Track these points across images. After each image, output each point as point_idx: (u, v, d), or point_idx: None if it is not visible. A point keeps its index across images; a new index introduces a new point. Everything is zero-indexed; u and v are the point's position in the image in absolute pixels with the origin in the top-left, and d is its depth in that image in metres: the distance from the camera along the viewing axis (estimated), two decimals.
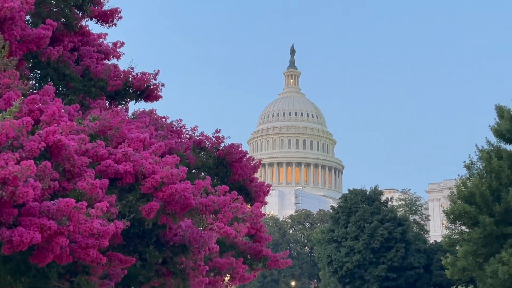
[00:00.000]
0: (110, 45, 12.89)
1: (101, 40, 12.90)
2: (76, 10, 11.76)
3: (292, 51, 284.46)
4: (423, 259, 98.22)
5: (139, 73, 12.13)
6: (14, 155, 6.23)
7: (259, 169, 13.50)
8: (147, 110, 12.72)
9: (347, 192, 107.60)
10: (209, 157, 12.62)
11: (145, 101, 12.56)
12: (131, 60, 12.48)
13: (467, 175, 61.00)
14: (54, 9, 11.60)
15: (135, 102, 12.53)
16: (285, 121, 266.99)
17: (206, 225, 9.24)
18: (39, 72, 11.52)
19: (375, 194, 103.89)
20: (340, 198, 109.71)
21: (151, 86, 12.25)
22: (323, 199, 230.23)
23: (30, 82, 10.48)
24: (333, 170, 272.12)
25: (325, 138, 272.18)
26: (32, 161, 6.14)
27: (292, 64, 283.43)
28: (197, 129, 13.19)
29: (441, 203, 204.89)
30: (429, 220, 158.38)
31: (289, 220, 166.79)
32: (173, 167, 8.19)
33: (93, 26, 12.82)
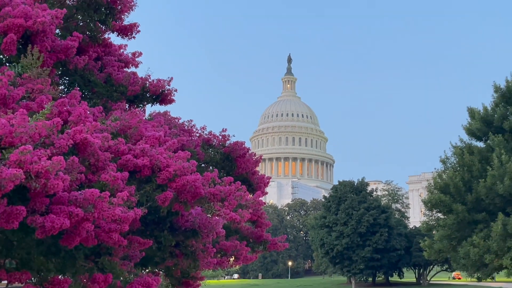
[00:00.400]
0: (130, 55, 12.87)
1: (121, 50, 12.88)
2: (99, 25, 11.75)
3: (289, 60, 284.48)
4: (404, 242, 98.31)
5: (155, 80, 12.10)
6: (46, 151, 6.24)
7: (260, 164, 13.48)
8: (161, 112, 12.71)
9: (337, 183, 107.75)
10: (216, 153, 12.60)
11: (160, 104, 12.53)
12: (148, 68, 12.50)
13: (443, 169, 61.09)
14: (80, 24, 11.59)
15: (151, 105, 12.51)
16: (283, 121, 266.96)
17: (214, 212, 9.24)
18: (67, 78, 11.51)
19: (362, 185, 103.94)
20: (331, 189, 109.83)
21: (166, 91, 12.22)
22: (316, 190, 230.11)
23: (60, 88, 10.48)
24: (325, 164, 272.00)
25: (317, 136, 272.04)
26: (62, 157, 6.14)
27: (289, 71, 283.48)
28: (205, 128, 13.18)
29: (420, 193, 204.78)
30: (409, 208, 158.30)
31: (286, 208, 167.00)
32: (185, 161, 8.19)
33: (114, 38, 12.82)
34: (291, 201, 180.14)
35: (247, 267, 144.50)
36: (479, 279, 60.28)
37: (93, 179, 7.30)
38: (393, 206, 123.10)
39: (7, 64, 9.65)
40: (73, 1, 11.22)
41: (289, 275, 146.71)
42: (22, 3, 9.30)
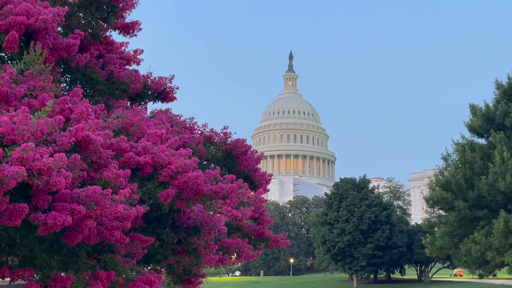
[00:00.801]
0: (131, 53, 12.87)
1: (123, 48, 12.88)
2: (101, 22, 11.75)
3: (290, 57, 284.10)
4: (405, 239, 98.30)
5: (156, 78, 12.10)
6: (48, 149, 6.25)
7: (261, 161, 13.47)
8: (163, 110, 12.69)
9: (339, 180, 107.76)
10: (218, 150, 12.60)
11: (162, 102, 12.53)
12: (150, 66, 12.49)
13: (444, 166, 61.06)
14: (82, 21, 11.59)
15: (153, 103, 12.51)
16: (284, 118, 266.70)
17: (216, 209, 9.25)
18: (69, 76, 11.51)
19: (363, 182, 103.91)
20: (333, 186, 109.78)
21: (167, 89, 12.22)
22: (318, 187, 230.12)
23: (62, 85, 10.47)
24: (326, 161, 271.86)
25: (319, 133, 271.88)
26: (64, 154, 6.15)
27: (290, 68, 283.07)
28: (207, 126, 13.17)
29: (422, 190, 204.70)
30: (411, 205, 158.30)
31: (288, 205, 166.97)
32: (187, 158, 8.19)
33: (116, 36, 12.81)
34: (293, 198, 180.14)
35: (249, 264, 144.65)
36: (481, 276, 60.31)
37: (95, 177, 7.31)
38: (395, 203, 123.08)
39: (9, 62, 9.66)
40: None
41: (291, 272, 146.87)
42: (23, 1, 9.31)
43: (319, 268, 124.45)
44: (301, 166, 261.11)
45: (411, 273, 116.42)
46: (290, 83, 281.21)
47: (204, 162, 12.23)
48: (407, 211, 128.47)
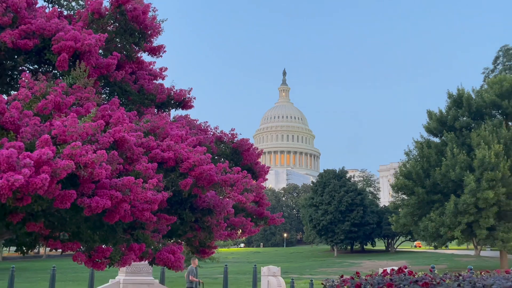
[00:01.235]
0: (158, 70, 12.85)
1: (151, 66, 12.86)
2: (134, 46, 11.73)
3: (284, 73, 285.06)
4: (375, 218, 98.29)
5: (178, 90, 12.07)
6: (92, 147, 6.25)
7: (261, 156, 13.46)
8: (183, 115, 12.68)
9: (323, 171, 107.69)
10: (226, 148, 12.58)
11: (182, 109, 12.49)
12: (173, 80, 12.51)
13: (407, 159, 61.11)
14: (119, 45, 11.56)
15: (175, 110, 12.49)
16: (279, 122, 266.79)
17: (225, 195, 9.25)
18: (108, 89, 11.49)
19: (342, 173, 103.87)
20: (318, 176, 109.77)
21: (186, 99, 12.18)
22: (306, 176, 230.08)
23: (102, 96, 10.45)
24: (313, 156, 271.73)
25: (307, 134, 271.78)
26: (104, 151, 6.15)
27: (284, 82, 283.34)
28: (218, 128, 13.12)
29: (388, 178, 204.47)
30: (380, 191, 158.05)
31: (282, 191, 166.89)
32: (202, 154, 8.19)
33: (145, 57, 12.79)
34: (286, 185, 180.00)
35: (251, 238, 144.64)
36: (435, 247, 60.33)
37: (129, 169, 7.31)
38: (367, 189, 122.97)
39: (61, 78, 9.65)
40: (113, 27, 11.18)
41: (285, 244, 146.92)
42: (72, 29, 9.30)
43: (307, 241, 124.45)
44: (292, 160, 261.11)
45: (380, 245, 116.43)
46: (284, 93, 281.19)
47: (216, 157, 12.21)
48: (377, 195, 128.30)
